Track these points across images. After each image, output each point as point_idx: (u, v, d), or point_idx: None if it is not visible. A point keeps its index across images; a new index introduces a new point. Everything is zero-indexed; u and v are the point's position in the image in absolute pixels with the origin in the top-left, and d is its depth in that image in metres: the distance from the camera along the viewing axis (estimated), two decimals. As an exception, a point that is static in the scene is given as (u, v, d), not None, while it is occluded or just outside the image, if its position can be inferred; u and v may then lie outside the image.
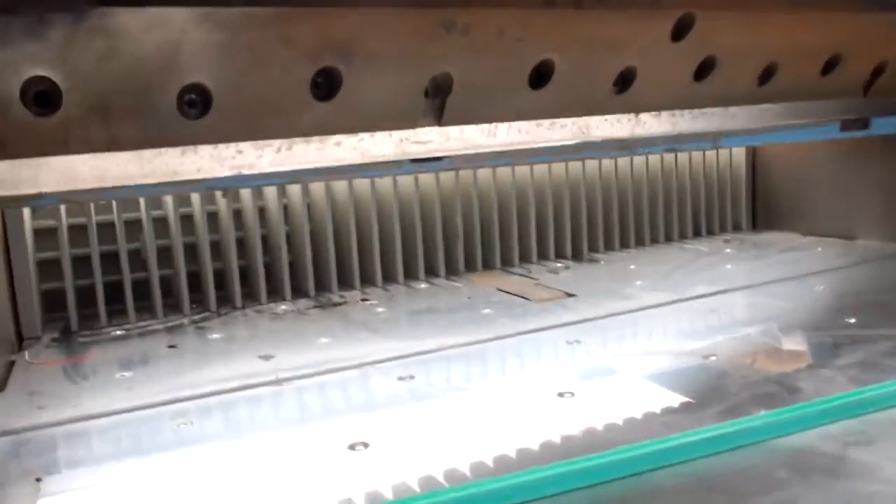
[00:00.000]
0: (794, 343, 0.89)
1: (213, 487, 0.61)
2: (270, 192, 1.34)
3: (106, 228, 1.24)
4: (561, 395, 0.76)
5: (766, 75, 1.06)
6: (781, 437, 0.62)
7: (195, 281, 1.27)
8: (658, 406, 0.72)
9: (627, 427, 0.68)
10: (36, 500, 0.60)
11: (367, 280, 1.37)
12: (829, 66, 1.12)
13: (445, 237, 1.43)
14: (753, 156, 1.75)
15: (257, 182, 0.83)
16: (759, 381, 0.76)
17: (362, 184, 1.36)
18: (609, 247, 1.58)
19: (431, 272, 1.42)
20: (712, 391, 0.75)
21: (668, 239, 1.65)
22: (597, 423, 0.69)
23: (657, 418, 0.69)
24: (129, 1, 0.64)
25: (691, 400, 0.73)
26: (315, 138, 0.81)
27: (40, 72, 0.65)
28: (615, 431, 0.67)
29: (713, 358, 0.85)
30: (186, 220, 1.29)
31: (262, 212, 1.35)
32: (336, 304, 1.23)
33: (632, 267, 1.41)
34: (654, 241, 1.64)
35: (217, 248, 1.31)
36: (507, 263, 1.48)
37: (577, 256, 1.53)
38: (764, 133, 1.15)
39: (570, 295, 1.20)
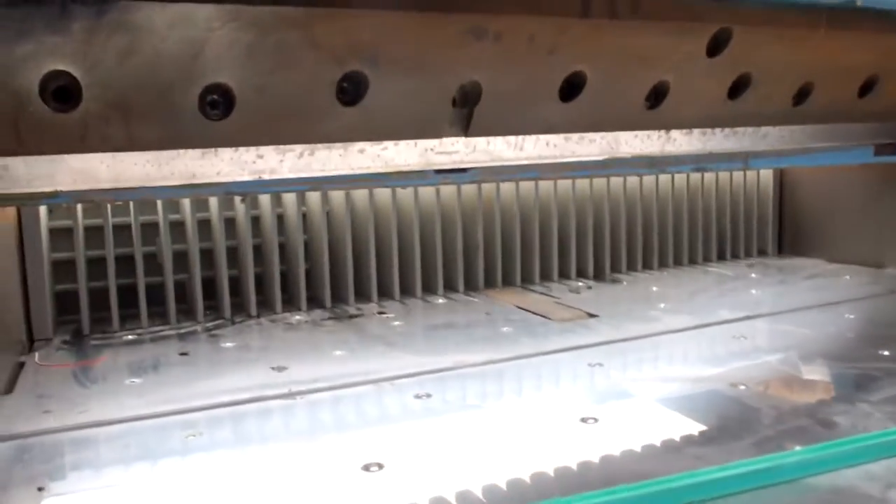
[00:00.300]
0: (826, 375, 0.86)
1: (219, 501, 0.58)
2: (290, 198, 1.32)
3: (122, 230, 1.22)
4: (584, 420, 0.73)
5: (802, 95, 1.04)
6: (817, 475, 0.59)
7: (210, 287, 1.25)
8: (684, 436, 0.69)
9: (650, 457, 0.65)
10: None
11: (384, 293, 1.35)
12: (866, 88, 1.09)
13: (466, 251, 1.40)
14: (781, 178, 1.71)
15: (278, 188, 0.81)
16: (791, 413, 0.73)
17: (382, 193, 1.33)
18: (632, 267, 1.55)
19: (450, 287, 1.39)
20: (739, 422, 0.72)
21: (692, 261, 1.62)
22: (617, 451, 0.66)
23: (686, 450, 0.66)
24: (154, -4, 0.62)
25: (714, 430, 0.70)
26: (338, 145, 0.79)
27: (60, 66, 0.64)
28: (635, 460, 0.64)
29: (742, 387, 0.82)
30: (203, 225, 1.27)
31: (280, 219, 1.33)
32: (352, 317, 1.21)
33: (654, 289, 1.38)
34: (678, 262, 1.60)
35: (234, 255, 1.29)
36: (527, 280, 1.45)
37: (598, 276, 1.50)
38: (796, 155, 1.12)
39: (593, 315, 1.17)
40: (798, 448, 0.62)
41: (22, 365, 0.96)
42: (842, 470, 0.59)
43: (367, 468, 0.63)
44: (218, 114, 0.72)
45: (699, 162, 1.04)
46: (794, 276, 1.45)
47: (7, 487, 0.61)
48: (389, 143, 0.82)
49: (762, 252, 1.69)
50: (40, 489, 0.61)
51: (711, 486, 0.56)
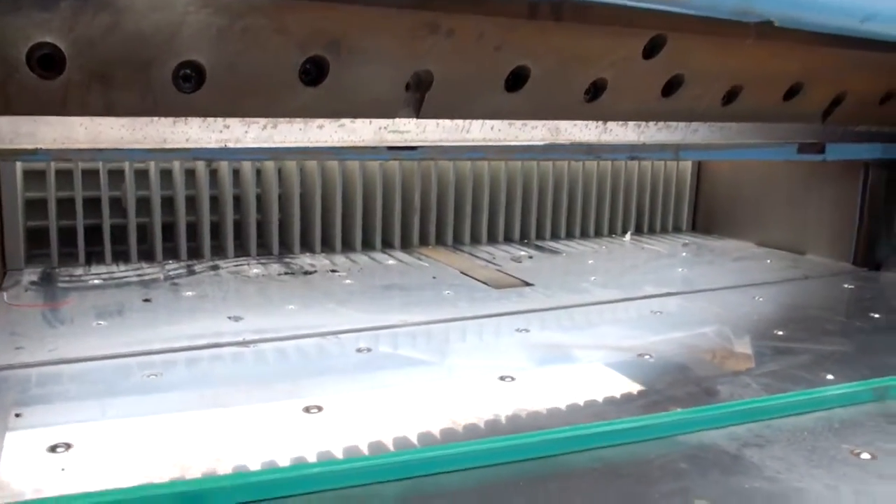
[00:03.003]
0: (721, 350, 0.97)
1: (174, 436, 0.67)
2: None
3: (90, 175, 1.30)
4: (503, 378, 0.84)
5: (731, 96, 1.13)
6: (687, 434, 0.70)
7: (169, 231, 1.35)
8: (584, 396, 0.79)
9: (553, 411, 0.75)
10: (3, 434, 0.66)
11: (327, 244, 1.46)
12: (791, 93, 1.19)
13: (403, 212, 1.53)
14: (699, 166, 1.86)
15: (241, 156, 0.88)
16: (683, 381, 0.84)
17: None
18: (570, 236, 1.69)
19: (388, 244, 1.52)
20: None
21: (613, 232, 1.76)
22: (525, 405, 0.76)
23: (585, 408, 0.77)
24: (137, -19, 0.69)
25: (614, 392, 0.80)
26: (299, 120, 0.87)
27: (47, 38, 0.70)
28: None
29: (647, 357, 0.92)
30: (165, 174, 1.36)
31: (235, 173, 1.42)
32: (306, 273, 1.29)
33: (590, 262, 1.49)
34: (612, 232, 1.75)
35: (192, 203, 1.38)
36: (475, 242, 1.56)
37: (540, 241, 1.61)
38: (724, 150, 1.22)
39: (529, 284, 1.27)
40: (676, 410, 0.73)
41: (-7, 302, 1.03)
42: (710, 430, 0.70)
43: (307, 410, 0.73)
44: (190, 87, 0.79)
45: (633, 151, 1.13)
46: (723, 258, 1.56)
47: (-12, 412, 0.70)
48: (346, 121, 0.90)
49: (677, 228, 1.84)
50: (17, 415, 0.69)
51: (596, 438, 0.67)
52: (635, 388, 0.82)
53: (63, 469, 0.60)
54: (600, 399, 0.79)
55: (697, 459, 0.65)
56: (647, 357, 0.92)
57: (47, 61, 0.72)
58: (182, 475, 0.60)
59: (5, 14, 0.67)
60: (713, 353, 0.95)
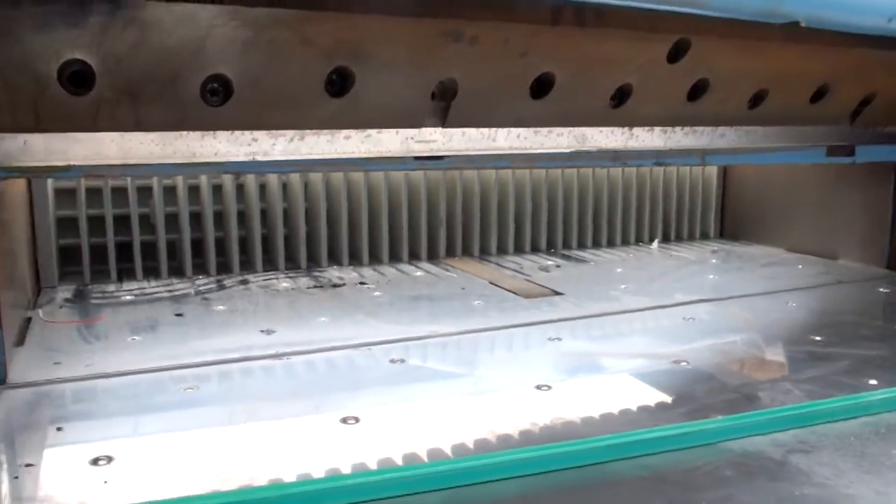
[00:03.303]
0: (759, 356, 0.95)
1: (213, 447, 0.67)
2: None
3: (119, 192, 1.31)
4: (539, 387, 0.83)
5: (757, 99, 1.12)
6: (732, 441, 0.68)
7: (197, 247, 1.36)
8: (624, 403, 0.78)
9: (592, 419, 0.74)
10: (44, 449, 0.66)
11: (354, 257, 1.46)
12: (819, 95, 1.17)
13: (457, 223, 1.56)
14: (725, 171, 1.84)
15: (269, 169, 0.88)
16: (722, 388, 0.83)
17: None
18: (597, 244, 1.68)
19: (415, 255, 1.52)
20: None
21: (640, 240, 1.74)
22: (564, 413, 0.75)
23: (625, 415, 0.75)
24: (165, -3, 0.69)
25: (653, 400, 0.79)
26: (326, 131, 0.87)
27: (77, 55, 0.71)
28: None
29: (684, 363, 0.91)
30: (193, 191, 1.37)
31: (262, 188, 1.42)
32: (335, 286, 1.29)
33: (618, 270, 1.47)
34: (639, 240, 1.73)
35: (220, 218, 1.39)
36: (502, 252, 1.56)
37: (567, 251, 1.60)
38: (751, 154, 1.21)
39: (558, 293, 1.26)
40: (718, 417, 0.71)
41: (29, 320, 1.04)
42: (753, 437, 0.69)
43: (344, 421, 0.72)
44: (217, 100, 0.80)
45: (660, 157, 1.12)
46: (753, 264, 1.54)
47: (31, 426, 0.70)
48: (373, 131, 0.90)
49: (704, 235, 1.82)
50: (59, 429, 0.69)
51: (641, 445, 0.65)
52: (674, 395, 0.81)
53: (105, 482, 0.60)
54: (639, 406, 0.77)
55: (743, 466, 0.64)
56: (683, 364, 0.91)
57: (78, 78, 0.73)
58: (222, 486, 0.59)
59: (36, 31, 0.67)
60: (750, 359, 0.94)
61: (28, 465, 0.62)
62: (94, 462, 0.63)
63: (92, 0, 0.67)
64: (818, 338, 1.02)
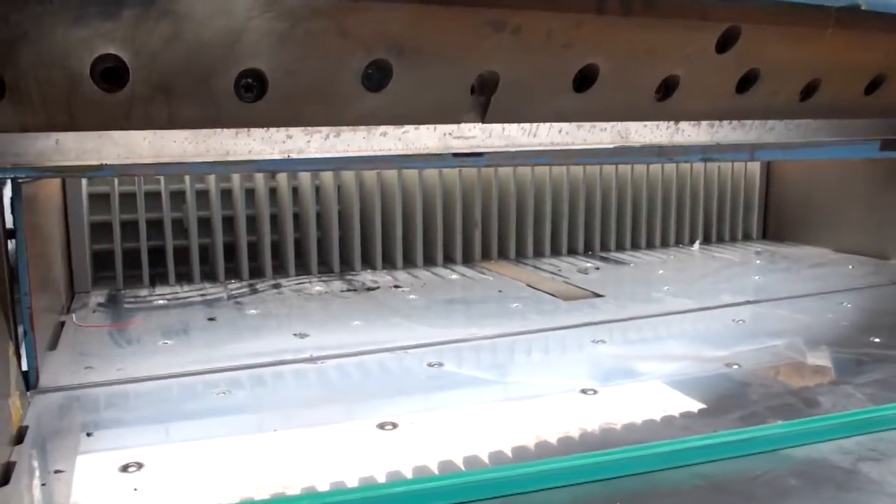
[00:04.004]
0: (816, 359, 0.91)
1: (246, 454, 0.64)
2: (304, 173, 1.39)
3: (152, 197, 1.30)
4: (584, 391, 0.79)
5: (809, 91, 1.07)
6: (794, 448, 0.64)
7: (230, 251, 1.34)
8: (674, 408, 0.74)
9: (641, 425, 0.70)
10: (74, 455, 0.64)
11: (387, 260, 1.43)
12: (874, 86, 1.12)
13: (494, 225, 1.53)
14: (768, 168, 1.78)
15: (304, 167, 0.86)
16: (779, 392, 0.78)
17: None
18: (636, 246, 1.63)
19: (449, 258, 1.48)
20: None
21: (679, 241, 1.69)
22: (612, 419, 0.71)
23: (675, 420, 0.72)
24: (199, -12, 0.67)
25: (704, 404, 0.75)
26: (362, 128, 0.84)
27: (110, 49, 0.69)
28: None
29: (735, 367, 0.87)
30: (225, 194, 1.36)
31: (294, 191, 1.40)
32: (369, 289, 1.26)
33: (660, 272, 1.43)
34: (679, 242, 1.69)
35: (252, 222, 1.37)
36: (539, 254, 1.52)
37: (605, 253, 1.56)
38: (802, 148, 1.16)
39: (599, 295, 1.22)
40: (779, 422, 0.67)
41: (62, 324, 1.03)
42: (816, 444, 0.64)
43: (382, 427, 0.69)
44: (251, 96, 0.77)
45: (706, 152, 1.08)
46: (800, 265, 1.49)
47: (61, 432, 0.68)
48: (410, 127, 0.87)
49: (747, 236, 1.76)
50: (89, 434, 0.67)
51: (696, 452, 0.62)
52: (726, 400, 0.77)
53: (135, 489, 0.57)
54: (691, 411, 0.74)
55: (808, 475, 0.60)
56: (735, 367, 0.86)
57: (111, 74, 0.71)
58: (254, 495, 0.57)
59: (69, 25, 0.66)
60: (807, 361, 0.89)
61: (57, 472, 0.60)
62: (124, 469, 0.60)
63: (125, -9, 0.65)
64: (877, 339, 0.97)
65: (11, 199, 0.84)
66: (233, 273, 1.34)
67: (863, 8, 0.82)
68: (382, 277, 1.35)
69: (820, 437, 0.65)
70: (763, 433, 0.65)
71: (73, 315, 1.08)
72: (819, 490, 0.57)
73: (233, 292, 1.23)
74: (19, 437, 0.67)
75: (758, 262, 1.53)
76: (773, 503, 0.55)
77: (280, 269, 1.37)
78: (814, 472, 0.60)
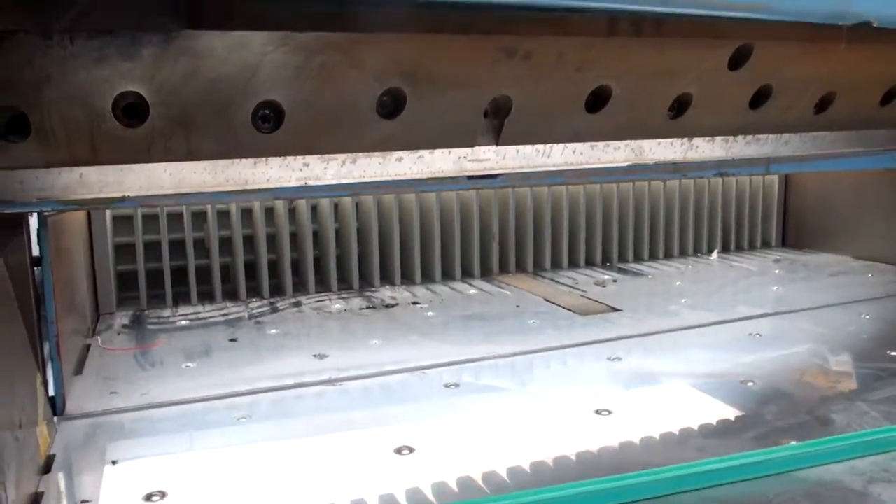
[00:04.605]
0: (832, 374, 0.91)
1: (266, 481, 0.66)
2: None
3: (174, 217, 1.33)
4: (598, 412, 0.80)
5: (823, 104, 1.07)
6: (806, 469, 0.64)
7: (250, 269, 1.36)
8: (690, 428, 0.75)
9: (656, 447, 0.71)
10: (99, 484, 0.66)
11: (406, 276, 1.45)
12: (889, 97, 1.12)
13: (516, 239, 1.54)
14: (787, 178, 1.78)
15: (321, 193, 0.87)
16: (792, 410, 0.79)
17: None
18: (653, 257, 1.63)
19: (467, 273, 1.50)
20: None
21: (698, 251, 1.69)
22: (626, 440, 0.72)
23: (690, 441, 0.72)
24: (215, 25, 0.69)
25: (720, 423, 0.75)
26: (378, 154, 0.86)
27: (131, 87, 0.71)
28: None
29: (750, 384, 0.87)
30: (246, 214, 1.38)
31: (314, 209, 1.42)
32: (388, 306, 1.28)
33: (677, 283, 1.43)
34: (697, 251, 1.68)
35: (273, 241, 1.39)
36: (556, 266, 1.53)
37: (622, 263, 1.57)
38: (817, 160, 1.16)
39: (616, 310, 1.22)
40: (791, 443, 0.68)
41: (88, 347, 1.05)
42: (829, 465, 0.65)
43: (399, 452, 0.71)
44: (268, 127, 0.79)
45: (721, 167, 1.08)
46: (819, 274, 1.48)
47: (85, 460, 0.70)
48: (425, 152, 0.88)
49: (766, 244, 1.76)
50: (114, 462, 0.69)
51: (708, 476, 0.62)
52: (742, 419, 0.77)
53: (158, 518, 0.59)
54: (706, 432, 0.74)
55: (820, 498, 0.60)
56: (750, 384, 0.87)
57: (132, 110, 0.73)
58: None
59: (90, 66, 0.68)
60: (822, 378, 0.89)
61: (84, 502, 0.62)
62: (148, 498, 0.62)
63: (145, 31, 0.67)
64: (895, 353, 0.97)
65: (38, 230, 0.87)
66: (254, 291, 1.36)
67: (875, 25, 0.82)
68: (401, 294, 1.36)
69: (833, 458, 0.65)
70: (775, 455, 0.65)
71: (99, 338, 1.10)
72: (832, 514, 0.58)
73: (254, 311, 1.25)
74: (47, 467, 0.69)
75: (777, 271, 1.52)
76: (786, 528, 0.56)
77: (300, 287, 1.39)
78: (826, 494, 0.61)
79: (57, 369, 0.82)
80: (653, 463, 0.65)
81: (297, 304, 1.30)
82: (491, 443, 0.74)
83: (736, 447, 0.69)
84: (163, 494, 0.63)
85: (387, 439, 0.74)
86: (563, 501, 0.59)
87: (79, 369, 0.96)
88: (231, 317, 1.22)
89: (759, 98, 1.01)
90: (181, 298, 1.32)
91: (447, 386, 0.89)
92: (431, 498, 0.62)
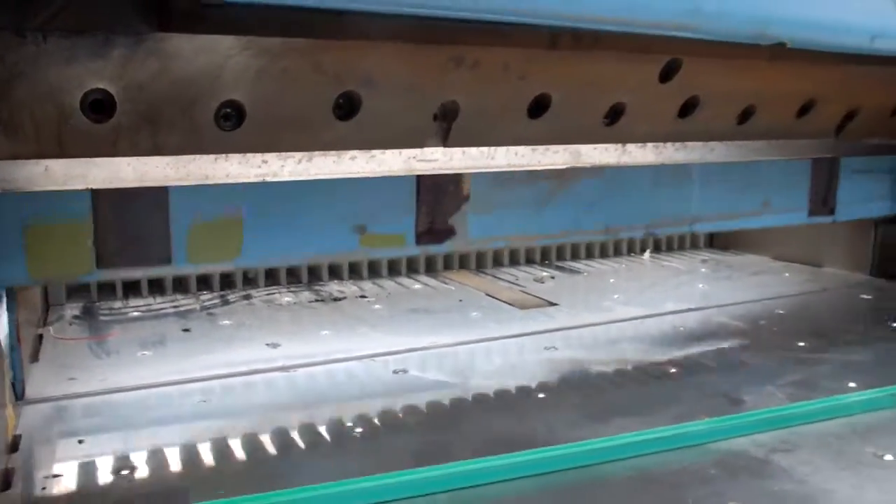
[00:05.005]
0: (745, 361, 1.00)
1: (228, 456, 0.71)
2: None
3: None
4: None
5: (746, 115, 1.16)
6: (717, 442, 0.72)
7: None
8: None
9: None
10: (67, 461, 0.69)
11: (355, 271, 1.50)
12: (805, 110, 1.22)
13: None
14: None
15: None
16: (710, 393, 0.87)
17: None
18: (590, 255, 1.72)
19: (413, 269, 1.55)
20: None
21: (632, 251, 1.78)
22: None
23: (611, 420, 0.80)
24: (185, 28, 0.73)
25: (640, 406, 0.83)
26: (333, 153, 0.91)
27: (100, 85, 0.74)
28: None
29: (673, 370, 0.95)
30: None
31: None
32: (336, 299, 1.33)
33: (611, 280, 1.52)
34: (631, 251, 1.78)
35: None
36: (497, 265, 1.60)
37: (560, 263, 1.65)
38: (740, 219, 1.26)
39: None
40: (704, 419, 0.76)
41: (41, 337, 1.07)
42: (737, 438, 0.73)
43: (352, 429, 0.76)
44: (230, 125, 0.83)
45: (649, 228, 1.17)
46: (741, 273, 1.59)
47: (52, 440, 0.73)
48: (377, 152, 0.94)
49: (695, 245, 1.87)
50: (80, 441, 0.73)
51: (631, 447, 0.70)
52: (664, 400, 0.85)
53: (129, 488, 0.63)
54: (629, 410, 0.82)
55: (728, 465, 0.68)
56: (673, 371, 0.95)
57: (99, 106, 0.76)
58: (236, 493, 0.63)
59: (61, 64, 0.71)
60: (735, 365, 0.98)
61: (56, 476, 0.66)
62: (117, 472, 0.66)
63: (117, 33, 0.71)
64: (802, 343, 1.06)
65: (-1, 219, 0.89)
66: (204, 284, 1.39)
67: (788, 45, 0.91)
68: (349, 287, 1.41)
69: (741, 432, 0.74)
70: (689, 429, 0.73)
71: (51, 328, 1.12)
72: (736, 478, 0.65)
73: (205, 303, 1.28)
74: (14, 446, 0.72)
75: (703, 270, 1.63)
76: (696, 491, 0.63)
77: (250, 280, 1.43)
78: (732, 462, 0.68)
79: (17, 355, 0.85)
80: (580, 437, 0.72)
81: (248, 297, 1.33)
82: (437, 421, 0.80)
83: (657, 423, 0.76)
84: (132, 469, 0.67)
85: (340, 418, 0.79)
86: (500, 471, 0.65)
87: (34, 357, 0.98)
88: (182, 308, 1.25)
89: (687, 108, 1.09)
90: (131, 291, 1.34)
91: (395, 372, 0.95)
92: (381, 469, 0.68)
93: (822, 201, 1.35)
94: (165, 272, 0.91)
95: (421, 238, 0.97)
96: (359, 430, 0.77)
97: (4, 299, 0.83)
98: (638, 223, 1.15)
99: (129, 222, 0.85)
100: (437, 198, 1.01)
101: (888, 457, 0.69)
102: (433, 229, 0.99)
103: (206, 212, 0.89)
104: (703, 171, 1.22)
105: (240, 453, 0.72)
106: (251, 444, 0.74)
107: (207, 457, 0.71)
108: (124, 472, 0.66)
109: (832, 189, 1.37)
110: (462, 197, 1.02)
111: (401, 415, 0.82)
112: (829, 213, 1.35)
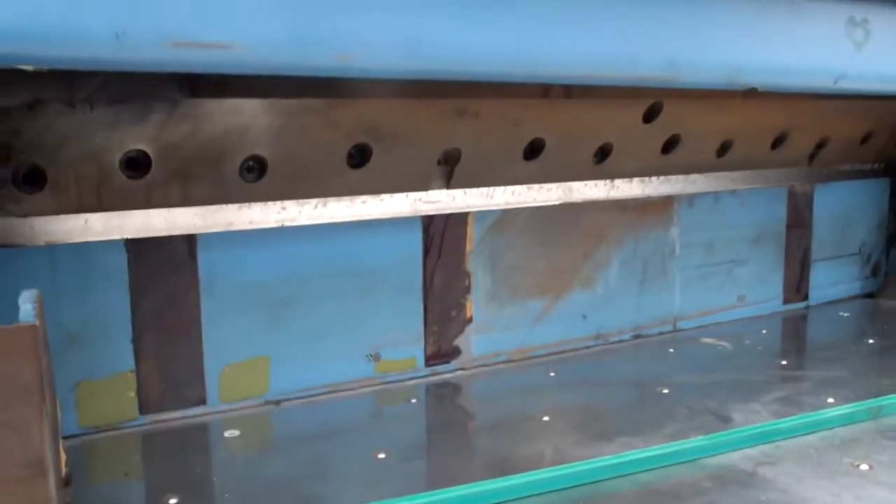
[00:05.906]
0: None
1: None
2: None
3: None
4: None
5: (723, 149, 1.25)
6: (710, 457, 0.80)
7: None
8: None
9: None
10: None
11: None
12: (778, 142, 1.31)
13: None
14: None
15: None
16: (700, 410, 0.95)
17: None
18: None
19: None
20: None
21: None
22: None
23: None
24: (215, 94, 0.81)
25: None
26: (346, 197, 0.98)
27: (138, 146, 0.82)
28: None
29: (665, 390, 1.03)
30: None
31: None
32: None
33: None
34: None
35: None
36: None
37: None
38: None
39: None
40: (700, 436, 0.83)
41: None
42: (729, 453, 0.80)
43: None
44: (253, 177, 0.91)
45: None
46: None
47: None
48: (386, 195, 1.02)
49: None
50: None
51: (633, 464, 0.77)
52: (651, 416, 0.92)
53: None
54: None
55: (720, 478, 0.75)
56: (663, 390, 1.02)
57: (134, 164, 0.84)
58: None
59: (105, 129, 0.79)
60: (720, 383, 1.06)
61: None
62: None
63: (155, 100, 0.79)
64: (784, 362, 1.14)
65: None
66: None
67: (759, 90, 1.00)
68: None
69: (730, 448, 0.81)
70: (685, 446, 0.80)
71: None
72: (727, 489, 0.73)
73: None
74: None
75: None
76: (693, 501, 0.71)
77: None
78: (724, 475, 0.76)
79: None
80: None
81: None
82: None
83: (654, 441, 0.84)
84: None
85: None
86: (511, 490, 0.72)
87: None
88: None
89: (670, 145, 1.18)
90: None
91: (408, 399, 1.02)
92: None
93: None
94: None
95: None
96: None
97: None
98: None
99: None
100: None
101: (863, 466, 0.76)
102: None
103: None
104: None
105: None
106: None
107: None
108: None
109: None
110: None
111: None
112: (803, 299, 1.50)
